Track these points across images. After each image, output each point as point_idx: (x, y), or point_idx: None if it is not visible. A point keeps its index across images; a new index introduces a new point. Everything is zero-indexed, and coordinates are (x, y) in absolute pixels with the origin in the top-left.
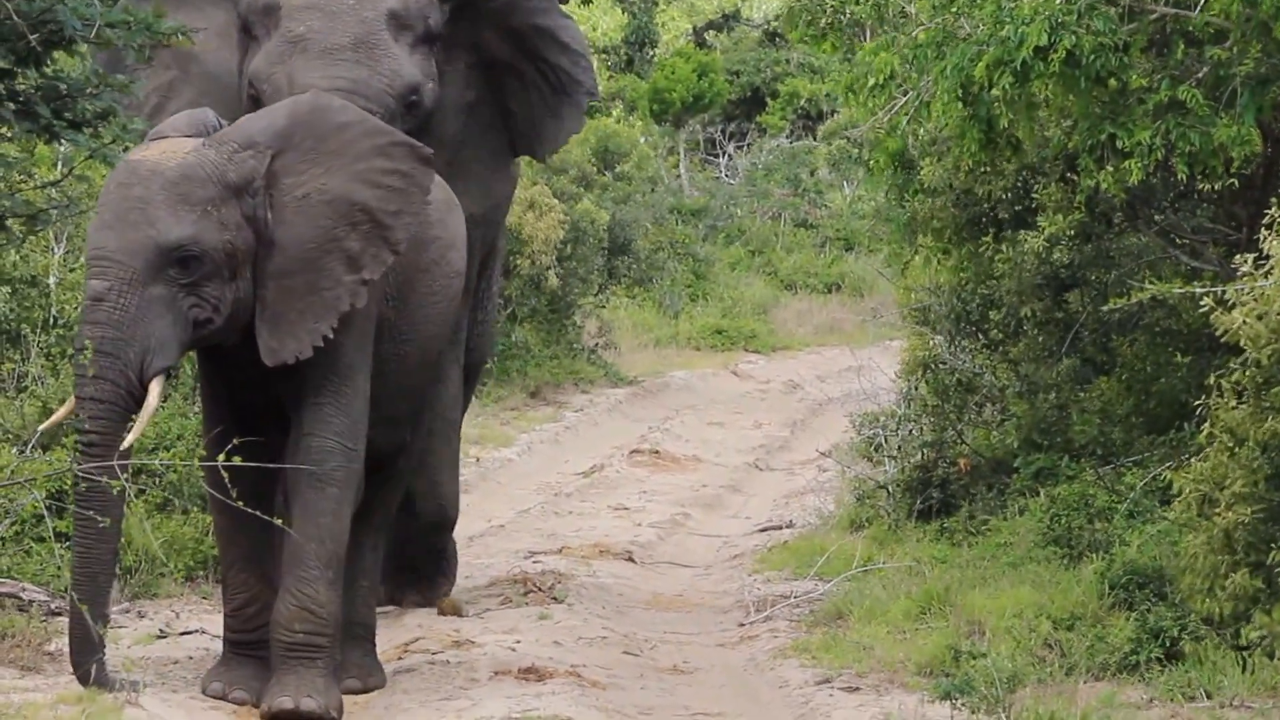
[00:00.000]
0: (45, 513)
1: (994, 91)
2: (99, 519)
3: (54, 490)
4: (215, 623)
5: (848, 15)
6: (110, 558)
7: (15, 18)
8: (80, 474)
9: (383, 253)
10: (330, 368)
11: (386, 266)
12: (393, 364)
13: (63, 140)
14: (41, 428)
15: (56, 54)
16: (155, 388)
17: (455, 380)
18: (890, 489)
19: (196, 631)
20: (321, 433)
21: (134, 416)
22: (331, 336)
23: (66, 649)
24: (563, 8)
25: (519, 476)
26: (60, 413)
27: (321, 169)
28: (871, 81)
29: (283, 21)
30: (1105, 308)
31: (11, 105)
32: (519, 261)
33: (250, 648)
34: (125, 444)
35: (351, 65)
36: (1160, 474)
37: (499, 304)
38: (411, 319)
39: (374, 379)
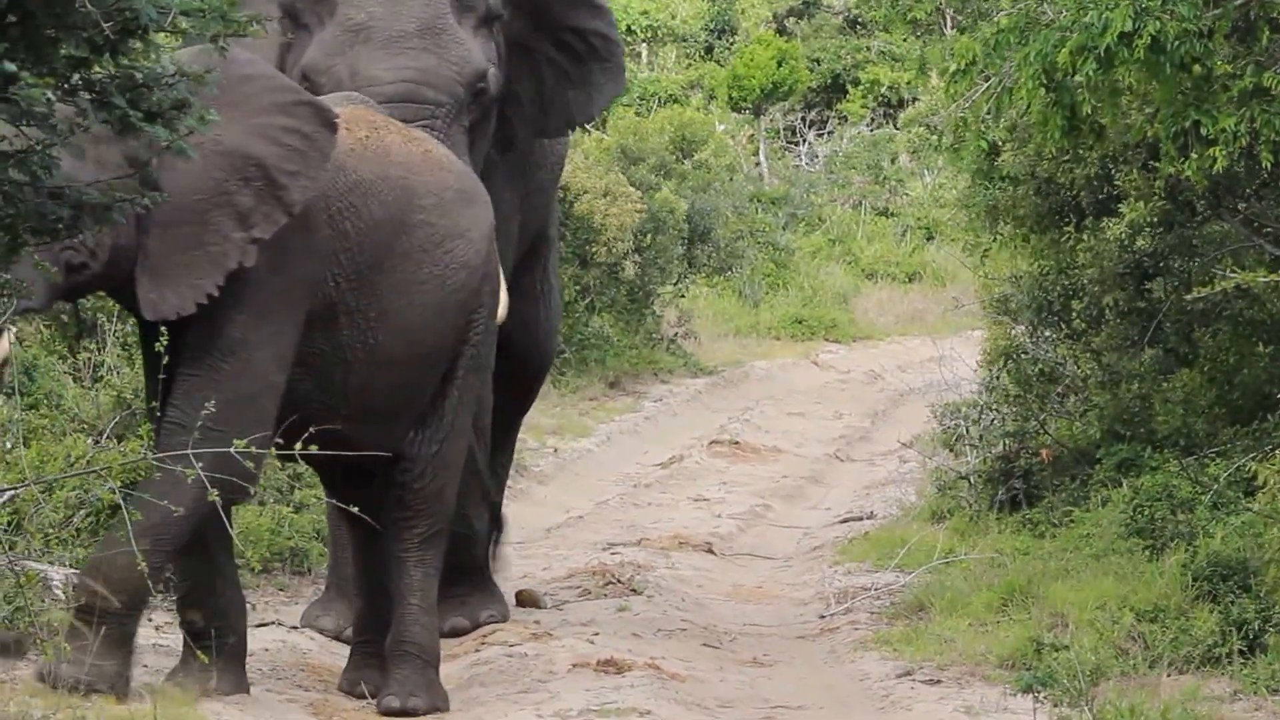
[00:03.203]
0: (121, 503)
1: (1077, 78)
2: None
3: (129, 480)
4: (292, 614)
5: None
6: None
7: (89, 5)
8: None
9: (275, 213)
10: (212, 339)
11: (278, 227)
12: (359, 352)
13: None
14: None
15: (133, 43)
16: (6, 335)
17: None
18: (972, 480)
19: (273, 624)
20: (181, 405)
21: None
22: (216, 294)
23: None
24: None
25: (598, 467)
26: None
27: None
28: (953, 68)
29: (339, 9)
30: (1188, 297)
31: (87, 96)
32: (595, 250)
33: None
34: None
35: (419, 54)
36: (1244, 465)
37: (557, 296)
38: (384, 306)
39: (337, 367)
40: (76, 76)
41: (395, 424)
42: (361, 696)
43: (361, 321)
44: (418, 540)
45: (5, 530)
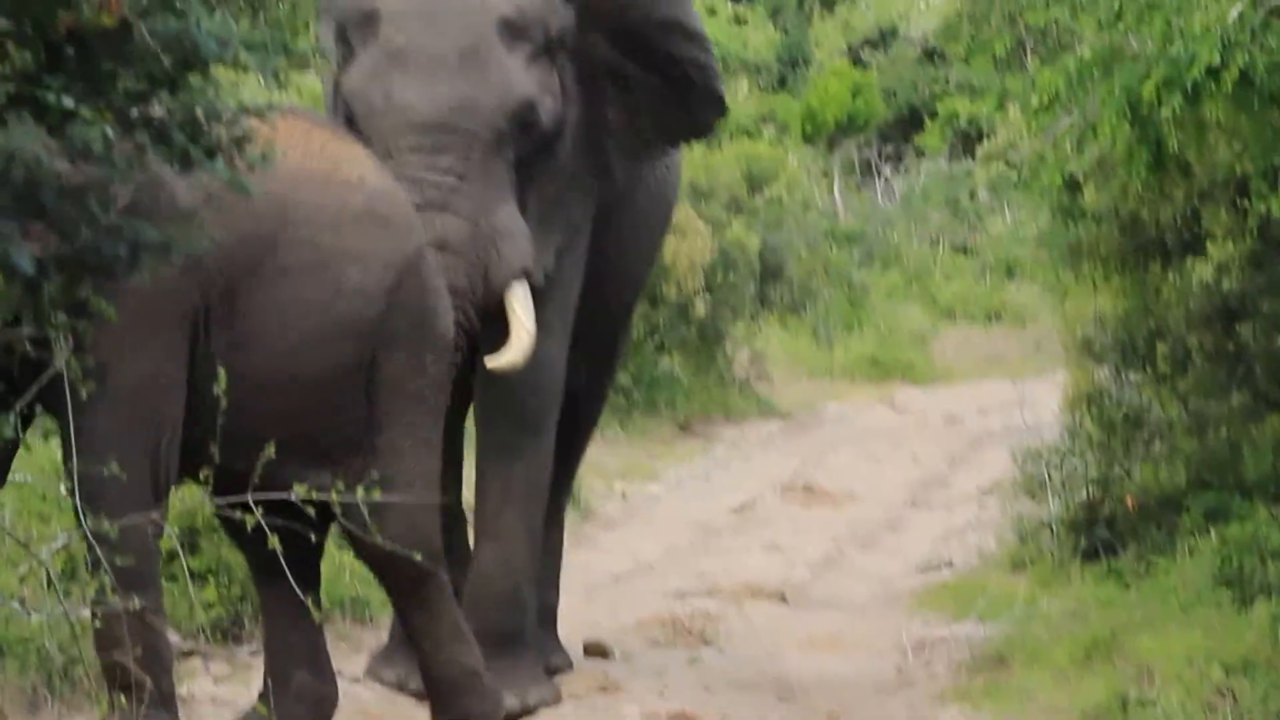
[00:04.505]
0: (179, 550)
1: (1163, 112)
2: None
3: (186, 526)
4: (353, 664)
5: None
6: None
7: (148, 38)
8: None
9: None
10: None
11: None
12: (230, 368)
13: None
14: None
15: (192, 77)
16: None
17: (544, 441)
18: (1054, 527)
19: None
20: (82, 448)
21: None
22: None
23: (196, 691)
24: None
25: (667, 512)
26: None
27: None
28: (1035, 102)
29: (381, 30)
30: (1279, 340)
31: (146, 131)
32: (665, 288)
33: None
34: None
35: (456, 81)
36: None
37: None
38: (257, 324)
39: (205, 384)
40: (135, 111)
41: (283, 459)
42: None
43: (229, 335)
44: (398, 590)
45: (60, 577)
